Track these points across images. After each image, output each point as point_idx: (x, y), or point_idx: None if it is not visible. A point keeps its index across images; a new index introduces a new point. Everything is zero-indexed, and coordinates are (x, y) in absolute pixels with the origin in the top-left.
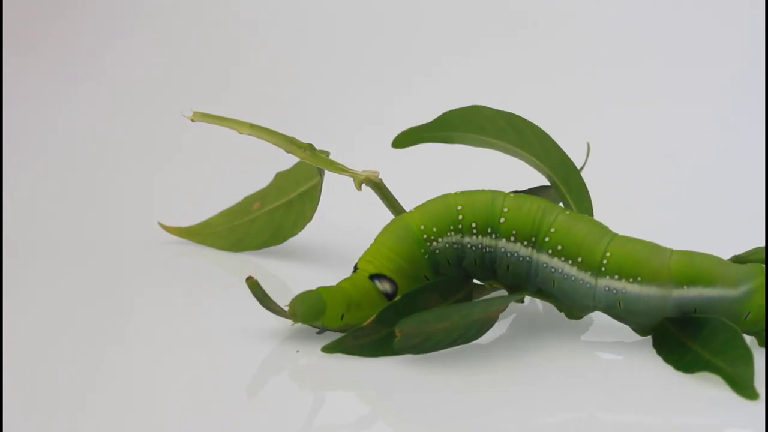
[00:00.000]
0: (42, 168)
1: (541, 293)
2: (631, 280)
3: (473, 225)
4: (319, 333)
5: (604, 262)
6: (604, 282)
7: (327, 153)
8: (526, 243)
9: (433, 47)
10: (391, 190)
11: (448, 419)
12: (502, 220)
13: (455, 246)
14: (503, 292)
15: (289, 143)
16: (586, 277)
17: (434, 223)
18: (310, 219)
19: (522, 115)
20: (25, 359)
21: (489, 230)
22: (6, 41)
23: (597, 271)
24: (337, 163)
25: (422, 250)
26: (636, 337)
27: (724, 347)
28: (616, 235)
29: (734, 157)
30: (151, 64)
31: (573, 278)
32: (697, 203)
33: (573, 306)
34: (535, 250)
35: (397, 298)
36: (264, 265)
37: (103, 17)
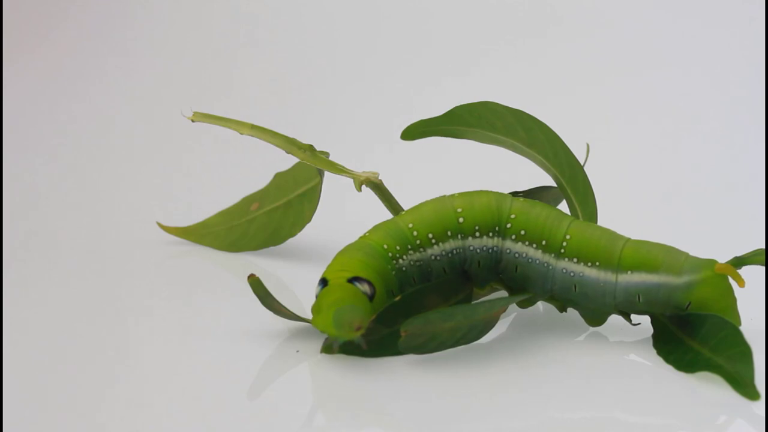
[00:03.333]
0: (40, 168)
1: (552, 299)
2: (589, 264)
3: (430, 236)
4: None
5: (564, 244)
6: (562, 264)
7: (327, 154)
8: (491, 234)
9: (436, 48)
10: (391, 192)
11: (450, 421)
12: (461, 220)
13: (419, 264)
14: (503, 293)
15: (289, 144)
16: (550, 259)
17: (396, 242)
18: (310, 220)
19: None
20: (23, 360)
21: (449, 234)
22: (6, 41)
23: (558, 254)
24: (337, 164)
25: (389, 266)
26: (637, 335)
27: (723, 344)
28: (575, 221)
29: (734, 158)
30: (152, 64)
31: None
32: (697, 203)
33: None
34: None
35: (375, 301)
36: (263, 266)
37: (104, 17)
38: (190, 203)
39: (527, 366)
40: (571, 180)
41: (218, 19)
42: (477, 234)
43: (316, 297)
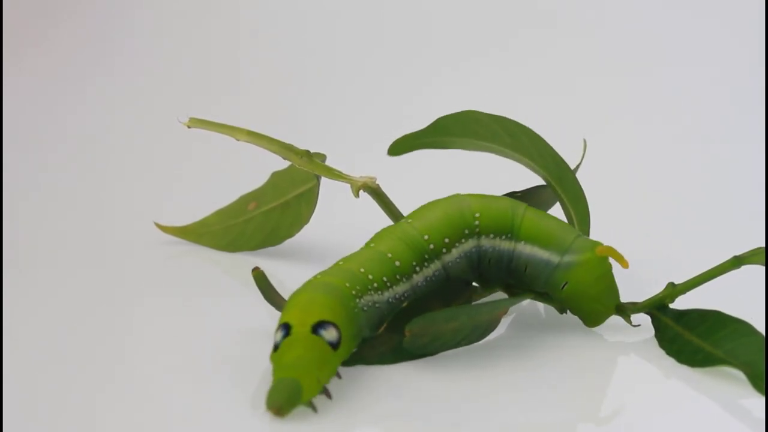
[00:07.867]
0: (38, 168)
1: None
2: (503, 236)
3: (384, 280)
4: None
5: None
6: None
7: (323, 157)
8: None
9: (430, 53)
10: (389, 196)
11: (450, 421)
12: (397, 263)
13: (377, 306)
14: (502, 295)
15: (285, 150)
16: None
17: (356, 282)
18: (308, 221)
19: (516, 119)
20: (23, 360)
21: (398, 277)
22: (6, 41)
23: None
24: (335, 170)
25: (352, 304)
26: (637, 335)
27: (743, 350)
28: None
29: (734, 157)
30: (150, 66)
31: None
32: (697, 203)
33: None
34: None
35: (342, 347)
36: (261, 266)
37: (104, 20)
38: (188, 203)
39: (527, 366)
40: (559, 180)
41: (216, 24)
42: (417, 269)
43: (277, 346)
